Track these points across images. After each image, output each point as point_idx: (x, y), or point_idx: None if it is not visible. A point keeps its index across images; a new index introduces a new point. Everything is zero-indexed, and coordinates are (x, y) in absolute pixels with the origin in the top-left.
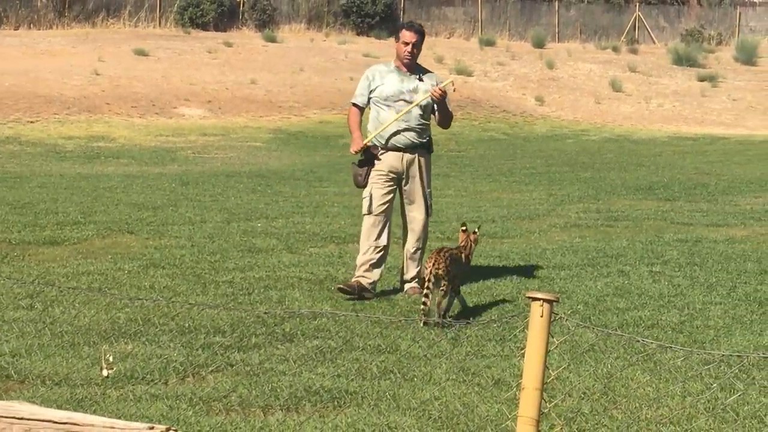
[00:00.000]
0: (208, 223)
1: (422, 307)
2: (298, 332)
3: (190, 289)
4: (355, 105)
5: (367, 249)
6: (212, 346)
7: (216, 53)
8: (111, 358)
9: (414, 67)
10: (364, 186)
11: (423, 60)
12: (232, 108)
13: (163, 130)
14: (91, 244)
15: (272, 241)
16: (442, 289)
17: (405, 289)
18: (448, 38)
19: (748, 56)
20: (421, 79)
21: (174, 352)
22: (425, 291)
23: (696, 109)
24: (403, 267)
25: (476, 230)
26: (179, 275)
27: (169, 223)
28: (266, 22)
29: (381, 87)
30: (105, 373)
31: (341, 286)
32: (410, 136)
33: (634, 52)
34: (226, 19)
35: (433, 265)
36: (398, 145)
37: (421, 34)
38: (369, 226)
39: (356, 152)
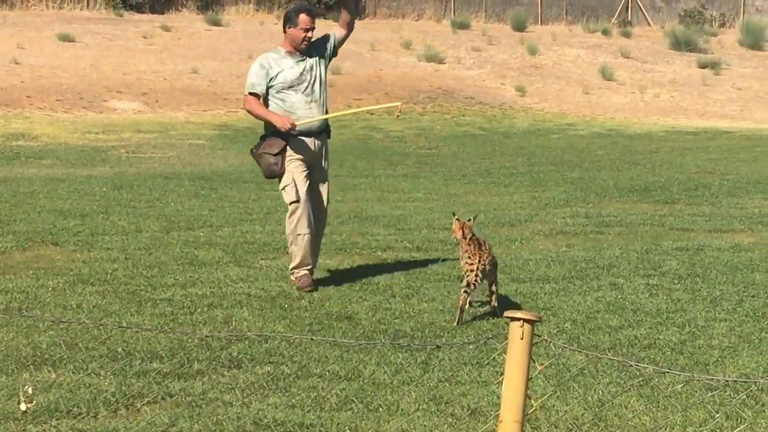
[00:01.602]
0: (144, 233)
1: (464, 306)
2: (247, 357)
3: (124, 308)
4: (252, 94)
5: (305, 236)
6: (148, 373)
7: (152, 38)
8: (31, 390)
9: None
10: (281, 174)
11: (389, 46)
12: (171, 101)
13: (93, 127)
14: (9, 257)
15: (217, 253)
16: (493, 288)
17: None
18: (417, 20)
19: (754, 40)
20: (310, 56)
21: (104, 381)
22: (469, 289)
23: (697, 100)
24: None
25: (470, 218)
26: (111, 292)
27: (99, 233)
28: (209, 3)
29: (282, 73)
30: (23, 407)
31: (301, 285)
32: (321, 122)
33: (626, 35)
34: (163, 0)
35: (479, 261)
36: (312, 130)
37: (315, 18)
38: (301, 214)
39: (292, 127)
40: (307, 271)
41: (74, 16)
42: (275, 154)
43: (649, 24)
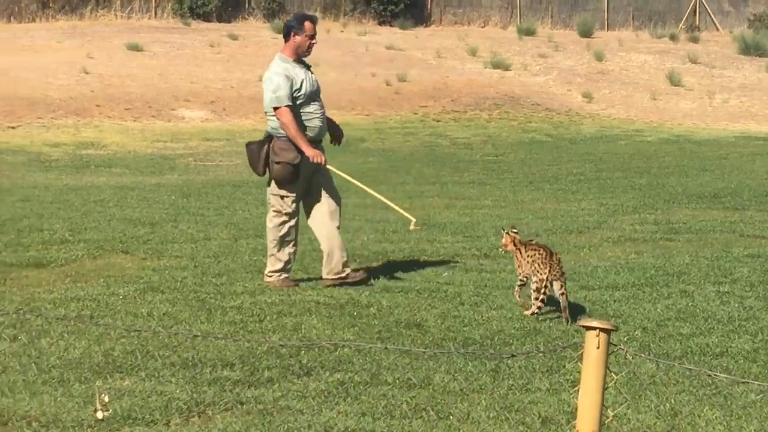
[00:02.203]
0: (212, 241)
1: (537, 312)
2: (317, 365)
3: (194, 316)
4: (288, 107)
5: (292, 242)
6: (220, 381)
7: (219, 47)
8: (107, 398)
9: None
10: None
11: (455, 53)
12: (238, 109)
13: (161, 135)
14: (80, 265)
15: None
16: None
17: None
18: (482, 27)
19: None
20: (308, 66)
21: (177, 388)
22: (542, 297)
23: (767, 105)
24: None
25: (515, 229)
26: (181, 300)
27: (168, 241)
28: (275, 11)
29: (303, 83)
30: (99, 415)
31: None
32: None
33: (694, 40)
34: (230, 9)
35: (550, 271)
36: (320, 138)
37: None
38: (294, 224)
39: (322, 162)
40: (287, 275)
41: (142, 25)
42: (295, 166)
43: (717, 29)
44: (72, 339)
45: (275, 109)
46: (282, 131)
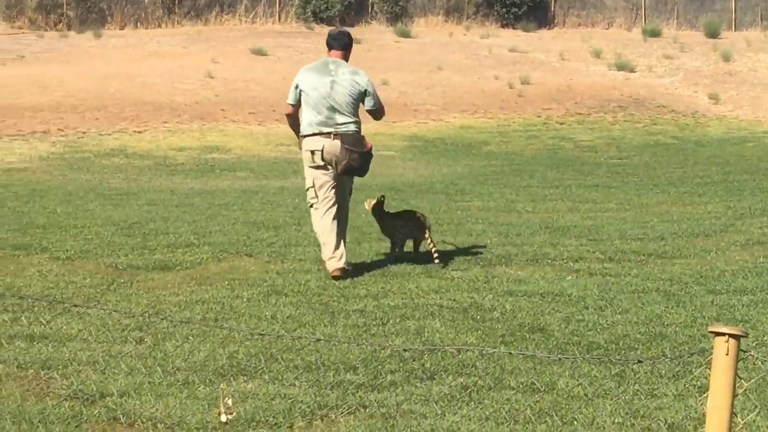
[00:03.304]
0: None
1: None
2: (440, 369)
3: (317, 319)
4: None
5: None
6: (343, 384)
7: None
8: (231, 401)
9: None
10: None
11: (579, 54)
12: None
13: (285, 139)
14: (205, 268)
15: (408, 264)
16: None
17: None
18: (607, 29)
19: None
20: None
21: (300, 391)
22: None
23: None
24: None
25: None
26: (304, 304)
27: (292, 244)
28: (399, 15)
29: None
30: (223, 418)
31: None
32: None
33: None
34: (353, 13)
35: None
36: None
37: None
38: None
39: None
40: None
41: (266, 30)
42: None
43: None
44: (197, 342)
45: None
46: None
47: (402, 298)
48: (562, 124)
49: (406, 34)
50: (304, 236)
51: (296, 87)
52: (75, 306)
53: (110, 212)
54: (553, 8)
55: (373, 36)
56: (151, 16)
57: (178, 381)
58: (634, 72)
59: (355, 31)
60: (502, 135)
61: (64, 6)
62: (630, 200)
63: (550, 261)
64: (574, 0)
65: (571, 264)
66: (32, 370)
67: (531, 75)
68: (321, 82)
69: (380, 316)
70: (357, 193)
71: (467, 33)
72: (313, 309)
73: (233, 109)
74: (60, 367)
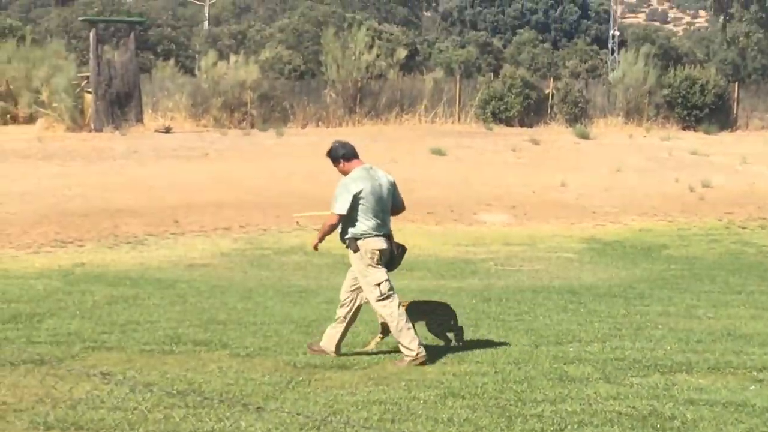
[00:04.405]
0: (513, 347)
1: None
2: None
3: (494, 423)
4: None
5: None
6: None
7: (521, 152)
8: None
9: None
10: None
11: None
12: (540, 214)
13: (462, 239)
14: (382, 368)
15: (587, 369)
16: None
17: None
18: None
19: None
20: None
21: None
22: None
23: None
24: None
25: None
26: (481, 407)
27: (469, 346)
28: (578, 116)
29: None
30: None
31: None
32: None
33: None
34: (532, 114)
35: None
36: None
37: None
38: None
39: None
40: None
41: (446, 130)
42: None
43: None
44: None
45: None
46: None
47: (580, 404)
48: (744, 228)
49: (585, 136)
50: (480, 338)
51: (353, 195)
52: (256, 407)
53: (289, 309)
54: (735, 111)
55: (552, 137)
56: (333, 115)
57: None
58: None
59: (533, 132)
60: (682, 238)
61: (248, 105)
62: None
63: (732, 369)
64: (757, 103)
65: (755, 373)
66: None
67: (712, 178)
68: (374, 187)
69: (558, 421)
70: (535, 294)
71: (647, 135)
72: (490, 412)
73: (411, 208)
74: None
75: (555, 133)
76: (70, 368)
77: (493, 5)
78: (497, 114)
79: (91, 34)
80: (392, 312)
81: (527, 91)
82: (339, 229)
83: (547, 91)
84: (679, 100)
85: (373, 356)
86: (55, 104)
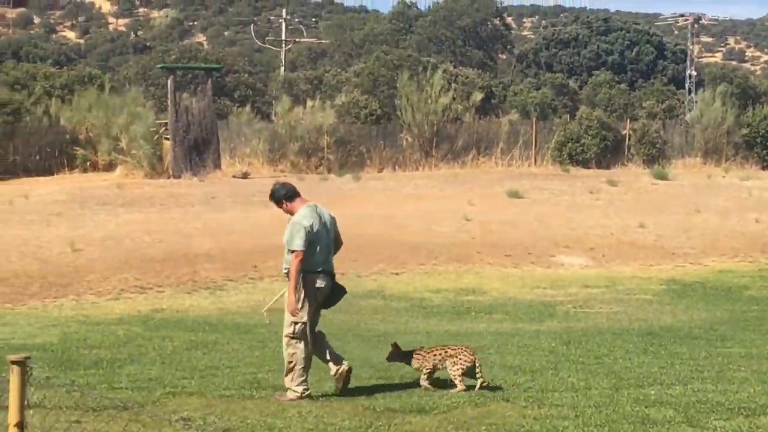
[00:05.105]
0: (593, 390)
1: None
2: None
3: None
4: None
5: None
6: None
7: (598, 193)
8: None
9: None
10: None
11: None
12: (618, 255)
13: (540, 282)
14: (462, 412)
15: (669, 412)
16: None
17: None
18: None
19: None
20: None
21: None
22: None
23: None
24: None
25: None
26: None
27: (549, 389)
28: (655, 157)
29: None
30: None
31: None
32: None
33: None
34: (609, 155)
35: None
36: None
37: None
38: None
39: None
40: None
41: (522, 172)
42: None
43: None
44: None
45: None
46: None
47: None
48: None
49: (663, 177)
50: (560, 381)
51: (306, 232)
52: None
53: (367, 353)
54: None
55: (629, 178)
56: (409, 159)
57: None
58: None
59: (611, 173)
60: (763, 279)
61: (325, 150)
62: None
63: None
64: None
65: None
66: None
67: None
68: (320, 223)
69: None
70: (615, 336)
71: (726, 175)
72: None
73: (489, 251)
74: None
75: (632, 175)
76: (152, 414)
77: (568, 47)
78: (574, 156)
79: (169, 81)
80: (295, 354)
81: (604, 132)
82: (283, 261)
83: (624, 132)
84: (759, 140)
85: (453, 400)
86: (134, 151)
